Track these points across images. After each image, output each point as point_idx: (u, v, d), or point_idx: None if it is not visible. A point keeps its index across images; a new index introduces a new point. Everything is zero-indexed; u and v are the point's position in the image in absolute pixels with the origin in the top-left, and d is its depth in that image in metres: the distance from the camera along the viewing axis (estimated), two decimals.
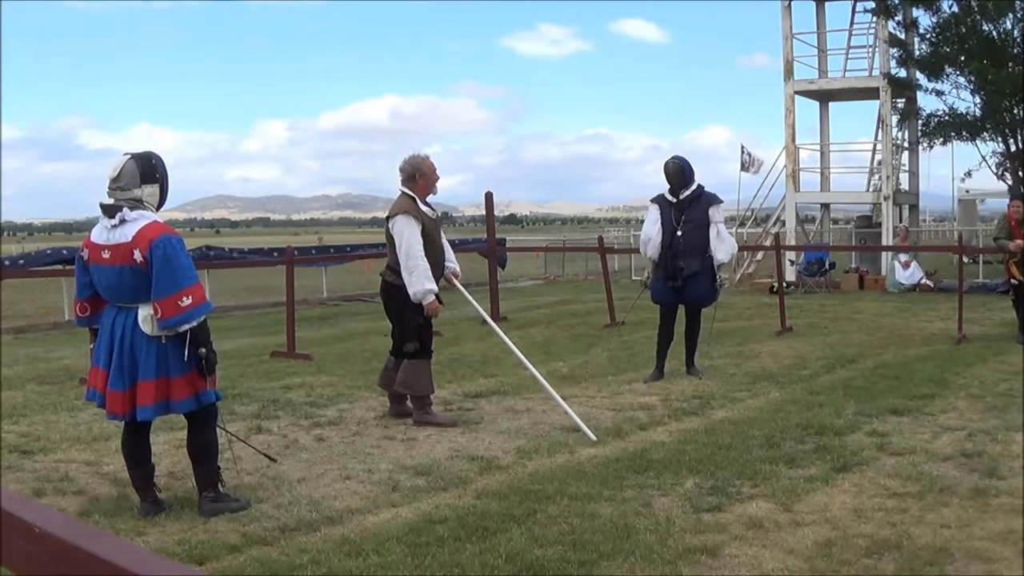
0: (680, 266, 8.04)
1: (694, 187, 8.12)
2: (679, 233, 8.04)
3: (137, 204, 4.50)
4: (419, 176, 6.59)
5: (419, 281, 6.35)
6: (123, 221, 4.44)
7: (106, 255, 4.47)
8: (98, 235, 4.55)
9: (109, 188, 4.52)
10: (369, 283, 17.91)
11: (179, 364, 4.48)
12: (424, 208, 6.60)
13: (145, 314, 4.43)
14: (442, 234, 6.93)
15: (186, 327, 4.40)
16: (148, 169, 4.57)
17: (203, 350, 4.47)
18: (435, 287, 6.48)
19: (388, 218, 6.63)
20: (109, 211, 4.48)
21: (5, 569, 1.29)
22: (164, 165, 4.67)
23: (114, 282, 4.48)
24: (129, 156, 4.56)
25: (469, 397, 7.52)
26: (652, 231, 8.18)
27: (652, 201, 8.39)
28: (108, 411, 4.56)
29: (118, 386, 4.46)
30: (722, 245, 8.06)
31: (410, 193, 6.59)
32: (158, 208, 4.63)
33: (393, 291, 6.62)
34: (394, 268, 6.57)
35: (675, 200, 8.12)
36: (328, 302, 18.01)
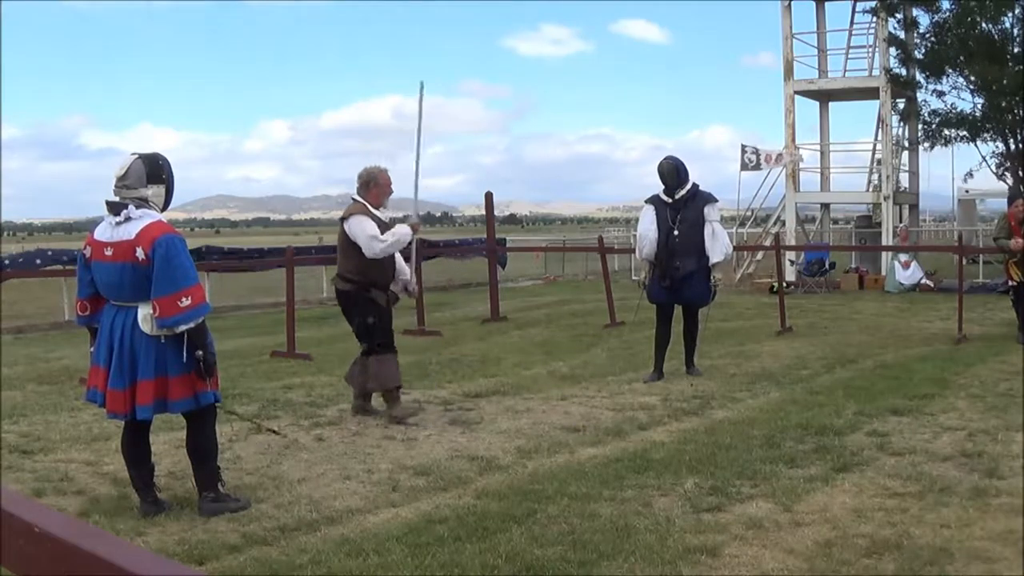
0: (676, 266, 8.01)
1: (689, 186, 8.09)
2: (675, 233, 8.01)
3: (142, 203, 4.54)
4: (373, 185, 6.72)
5: (398, 236, 6.54)
6: (128, 219, 4.47)
7: (108, 252, 4.49)
8: (102, 232, 4.57)
9: (116, 186, 4.56)
10: None
11: (178, 364, 4.49)
12: (377, 215, 6.70)
13: (144, 313, 4.44)
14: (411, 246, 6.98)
15: (184, 327, 4.41)
16: (155, 170, 4.62)
17: (200, 352, 4.48)
18: (408, 229, 6.67)
19: (342, 220, 6.75)
20: (114, 208, 4.51)
21: (5, 569, 1.29)
22: (171, 167, 4.73)
23: (115, 279, 4.49)
24: (137, 156, 4.61)
25: (469, 397, 7.52)
26: (649, 231, 8.14)
27: (647, 202, 8.35)
28: (109, 410, 4.57)
29: (118, 385, 4.47)
30: (717, 244, 8.03)
31: (361, 201, 6.70)
32: (163, 209, 4.67)
33: (342, 297, 6.88)
34: (343, 275, 6.76)
35: (671, 200, 8.10)
36: (328, 302, 17.99)
